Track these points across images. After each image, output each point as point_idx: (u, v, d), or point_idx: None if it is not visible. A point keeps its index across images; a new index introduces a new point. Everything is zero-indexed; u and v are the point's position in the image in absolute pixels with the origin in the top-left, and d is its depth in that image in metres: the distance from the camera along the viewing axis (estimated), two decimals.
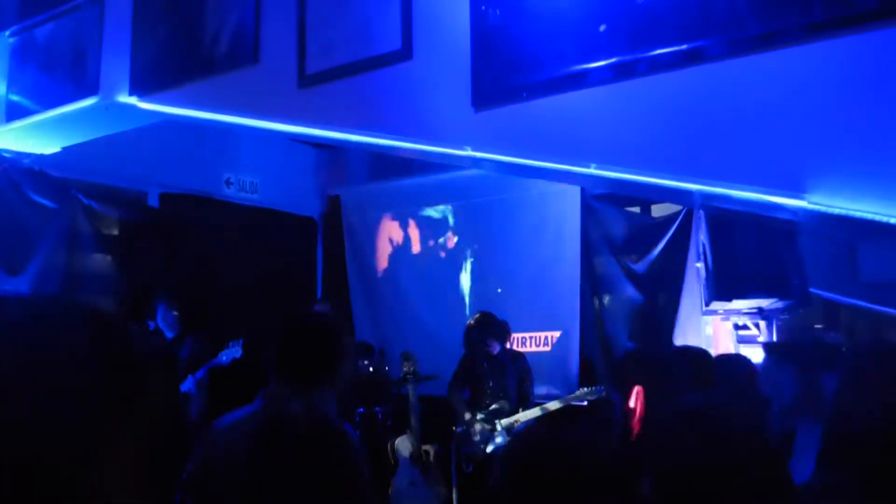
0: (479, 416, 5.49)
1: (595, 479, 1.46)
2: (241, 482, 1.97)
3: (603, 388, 5.37)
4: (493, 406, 5.49)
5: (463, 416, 5.52)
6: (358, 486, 2.05)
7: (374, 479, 2.19)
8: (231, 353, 5.15)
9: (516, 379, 5.56)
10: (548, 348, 6.47)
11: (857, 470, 1.51)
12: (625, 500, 1.33)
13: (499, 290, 6.81)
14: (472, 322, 5.64)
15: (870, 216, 2.50)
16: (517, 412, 5.45)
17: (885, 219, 2.49)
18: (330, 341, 2.18)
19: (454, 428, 5.57)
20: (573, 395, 5.49)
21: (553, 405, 5.42)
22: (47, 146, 5.44)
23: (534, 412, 5.39)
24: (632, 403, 2.38)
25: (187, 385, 5.07)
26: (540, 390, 5.80)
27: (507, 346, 5.71)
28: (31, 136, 5.26)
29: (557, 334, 6.45)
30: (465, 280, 7.10)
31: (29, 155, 5.54)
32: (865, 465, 1.50)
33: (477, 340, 5.55)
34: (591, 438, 1.38)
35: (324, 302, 7.46)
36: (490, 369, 5.55)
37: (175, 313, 5.38)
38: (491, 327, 5.54)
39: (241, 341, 5.16)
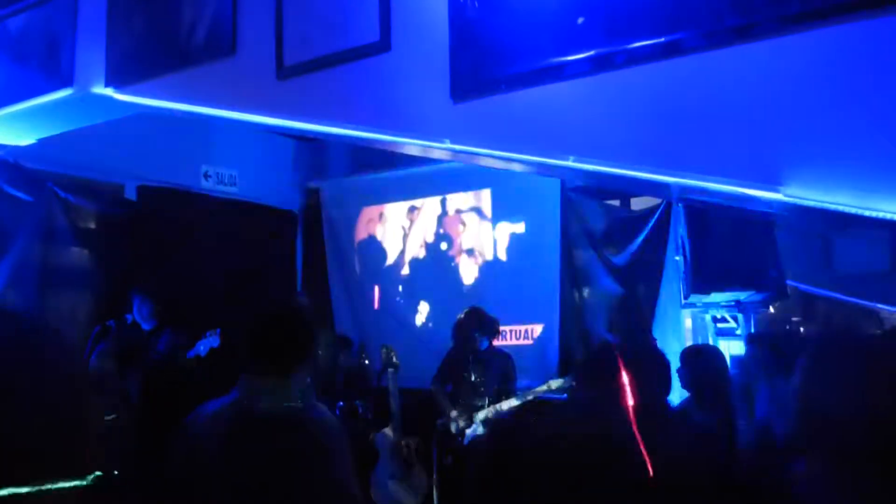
0: (458, 410, 5.50)
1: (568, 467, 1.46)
2: (220, 471, 1.97)
3: (571, 377, 5.39)
4: (473, 400, 5.50)
5: (444, 409, 5.54)
6: (338, 468, 2.06)
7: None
8: (209, 342, 5.11)
9: (499, 377, 5.56)
10: (528, 341, 6.48)
11: (835, 458, 1.53)
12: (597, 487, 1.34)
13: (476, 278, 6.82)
14: (462, 315, 5.65)
15: (844, 208, 2.52)
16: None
17: (858, 211, 2.52)
18: (300, 330, 2.19)
19: (437, 420, 5.57)
20: (541, 388, 5.50)
21: (527, 397, 5.44)
22: (22, 138, 5.36)
23: (508, 403, 5.41)
24: (627, 395, 2.39)
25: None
26: (520, 383, 5.81)
27: (495, 343, 5.71)
28: (5, 128, 5.18)
29: (538, 327, 6.47)
30: (446, 273, 7.09)
31: (3, 147, 5.46)
32: (841, 452, 1.52)
33: (465, 334, 5.56)
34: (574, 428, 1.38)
35: (302, 295, 7.44)
36: (474, 364, 5.56)
37: (152, 306, 5.33)
38: (480, 322, 5.55)
39: (218, 331, 5.12)
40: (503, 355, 5.66)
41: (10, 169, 5.62)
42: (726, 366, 3.72)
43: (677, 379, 3.83)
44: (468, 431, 5.44)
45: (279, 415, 2.04)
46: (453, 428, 5.45)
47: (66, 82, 4.56)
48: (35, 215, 5.71)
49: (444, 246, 7.15)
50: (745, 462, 3.35)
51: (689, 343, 5.59)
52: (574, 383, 5.35)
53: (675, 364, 4.04)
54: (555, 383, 5.45)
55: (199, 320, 5.49)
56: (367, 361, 6.98)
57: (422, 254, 7.30)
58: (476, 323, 5.54)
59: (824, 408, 1.56)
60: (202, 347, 5.11)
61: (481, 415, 5.43)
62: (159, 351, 5.08)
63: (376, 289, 7.53)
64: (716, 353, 3.83)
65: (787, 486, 1.63)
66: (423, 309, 7.19)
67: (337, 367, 6.55)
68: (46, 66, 4.69)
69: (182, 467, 2.08)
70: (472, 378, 5.55)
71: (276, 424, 2.01)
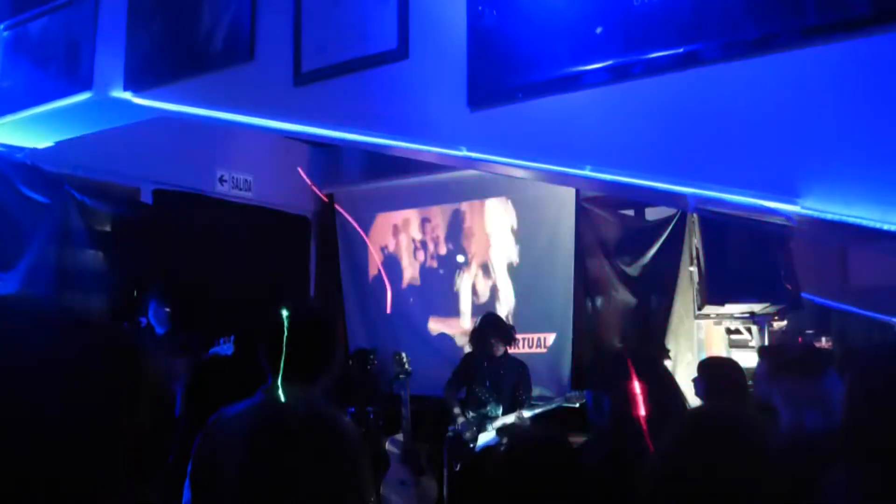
0: (470, 417, 5.49)
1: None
2: (246, 473, 1.98)
3: (590, 392, 5.29)
4: (487, 407, 5.49)
5: (456, 416, 5.52)
6: (358, 474, 2.06)
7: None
8: (222, 350, 5.12)
9: (513, 384, 5.53)
10: (542, 350, 6.47)
11: (880, 466, 1.53)
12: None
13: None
14: (478, 321, 5.66)
15: (862, 222, 2.51)
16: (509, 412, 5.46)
17: (877, 224, 2.50)
18: (324, 334, 2.19)
19: (448, 427, 5.56)
20: (559, 400, 5.46)
21: (543, 409, 5.42)
22: (40, 141, 5.41)
23: (522, 414, 5.37)
24: (640, 407, 2.39)
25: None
26: (533, 392, 5.80)
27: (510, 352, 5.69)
28: (23, 131, 5.23)
29: (551, 336, 6.46)
30: (459, 281, 7.09)
31: (22, 149, 5.51)
32: (887, 461, 1.52)
33: (482, 340, 5.54)
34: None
35: (317, 300, 7.46)
36: (489, 370, 5.54)
37: (166, 310, 5.35)
38: (497, 328, 5.53)
39: (232, 338, 5.13)
40: (519, 363, 5.63)
41: (28, 171, 5.66)
42: (744, 378, 3.69)
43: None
44: (481, 439, 5.42)
45: (302, 418, 2.04)
46: (466, 435, 5.44)
47: (85, 86, 4.60)
48: (52, 217, 5.74)
49: (458, 254, 7.15)
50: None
51: (702, 354, 5.57)
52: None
53: (690, 374, 4.02)
54: (574, 399, 5.39)
55: (213, 325, 5.51)
56: (378, 367, 6.98)
57: (435, 261, 7.31)
58: (492, 329, 5.53)
59: (878, 419, 1.57)
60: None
61: (497, 423, 5.40)
62: (173, 356, 5.08)
63: (389, 295, 7.54)
64: (733, 366, 3.81)
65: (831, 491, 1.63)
66: (437, 315, 7.19)
67: (350, 373, 6.56)
68: (66, 70, 4.73)
69: (205, 469, 2.08)
70: (487, 385, 5.53)
71: (299, 428, 2.01)
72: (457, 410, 5.55)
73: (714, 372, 3.75)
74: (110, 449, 0.85)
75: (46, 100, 4.80)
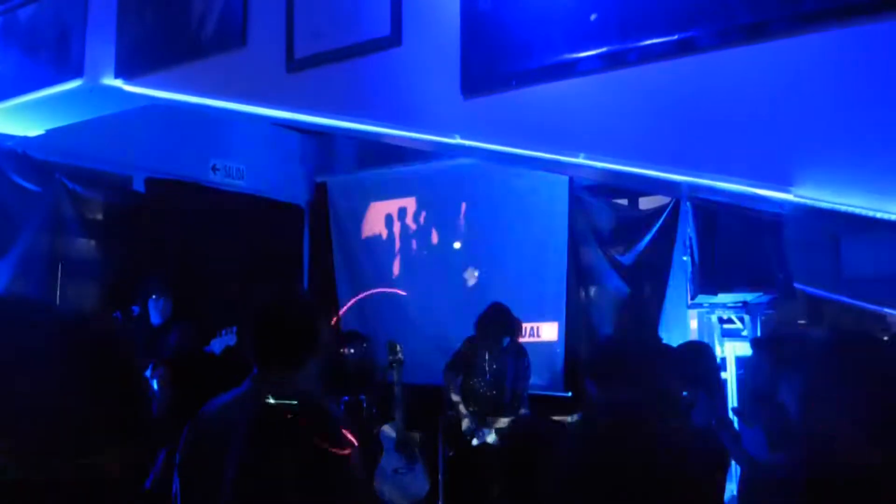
0: (470, 409, 5.46)
1: None
2: (233, 464, 1.98)
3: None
4: (486, 399, 5.46)
5: (456, 403, 5.50)
6: (345, 462, 2.06)
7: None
8: (224, 340, 5.08)
9: (514, 374, 5.49)
10: (534, 339, 6.47)
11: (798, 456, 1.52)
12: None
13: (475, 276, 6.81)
14: (486, 312, 5.49)
15: (855, 210, 2.51)
16: (508, 407, 5.43)
17: (870, 213, 2.50)
18: (305, 323, 2.17)
19: (447, 412, 5.54)
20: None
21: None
22: (31, 129, 5.37)
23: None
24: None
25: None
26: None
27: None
28: (13, 119, 5.19)
29: (543, 325, 6.46)
30: (452, 269, 7.08)
31: (12, 137, 5.46)
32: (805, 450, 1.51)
33: (487, 333, 5.44)
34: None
35: (305, 288, 7.44)
36: (491, 360, 5.49)
37: (162, 300, 5.34)
38: (504, 325, 5.42)
39: (234, 329, 5.09)
40: (520, 352, 5.55)
41: (18, 159, 5.62)
42: (716, 364, 3.69)
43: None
44: (479, 433, 5.39)
45: (284, 407, 2.04)
46: (464, 426, 5.41)
47: (75, 73, 4.56)
48: (43, 206, 5.71)
49: (454, 242, 7.14)
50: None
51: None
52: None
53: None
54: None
55: (207, 314, 5.49)
56: (372, 356, 6.98)
57: (428, 249, 7.30)
58: (499, 324, 5.41)
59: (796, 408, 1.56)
60: (217, 345, 5.09)
61: (498, 423, 5.37)
62: (171, 346, 5.04)
63: (382, 284, 7.53)
64: (706, 351, 3.80)
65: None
66: (430, 304, 7.18)
67: (343, 361, 6.55)
68: (56, 57, 4.69)
69: (192, 458, 2.08)
70: (487, 375, 5.49)
71: (282, 416, 2.01)
72: (456, 398, 5.51)
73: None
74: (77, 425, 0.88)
75: (36, 87, 4.75)
